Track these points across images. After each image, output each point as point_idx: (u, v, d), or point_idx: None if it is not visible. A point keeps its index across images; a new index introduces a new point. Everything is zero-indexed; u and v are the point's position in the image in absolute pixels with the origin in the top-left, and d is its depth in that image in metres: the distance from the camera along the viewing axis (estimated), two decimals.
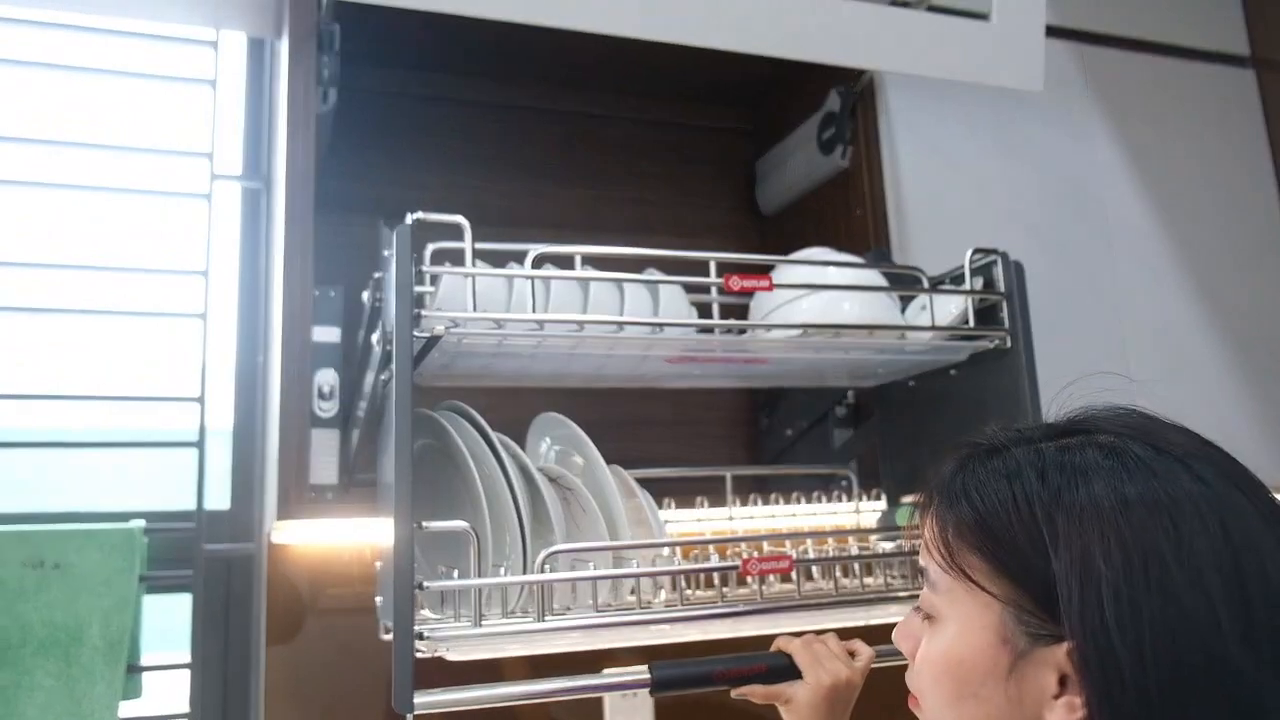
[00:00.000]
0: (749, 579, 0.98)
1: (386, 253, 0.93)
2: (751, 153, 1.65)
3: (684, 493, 1.19)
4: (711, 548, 1.02)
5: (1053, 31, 1.49)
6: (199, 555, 1.19)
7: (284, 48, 1.19)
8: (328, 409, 1.14)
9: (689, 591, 1.02)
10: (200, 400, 1.23)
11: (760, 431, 1.44)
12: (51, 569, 1.09)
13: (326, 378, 1.15)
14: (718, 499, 1.21)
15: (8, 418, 1.29)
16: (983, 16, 1.25)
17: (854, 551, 1.04)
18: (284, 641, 1.22)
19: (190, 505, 1.21)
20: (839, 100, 1.42)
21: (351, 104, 1.26)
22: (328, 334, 1.16)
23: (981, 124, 1.49)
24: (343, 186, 1.18)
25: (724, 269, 1.01)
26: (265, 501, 1.23)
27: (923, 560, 0.63)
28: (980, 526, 0.58)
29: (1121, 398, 0.63)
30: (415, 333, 0.89)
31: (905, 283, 1.12)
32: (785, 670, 0.92)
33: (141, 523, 1.16)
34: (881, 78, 1.41)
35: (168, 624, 1.21)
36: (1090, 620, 0.53)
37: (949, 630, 0.60)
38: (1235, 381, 1.56)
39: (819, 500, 1.17)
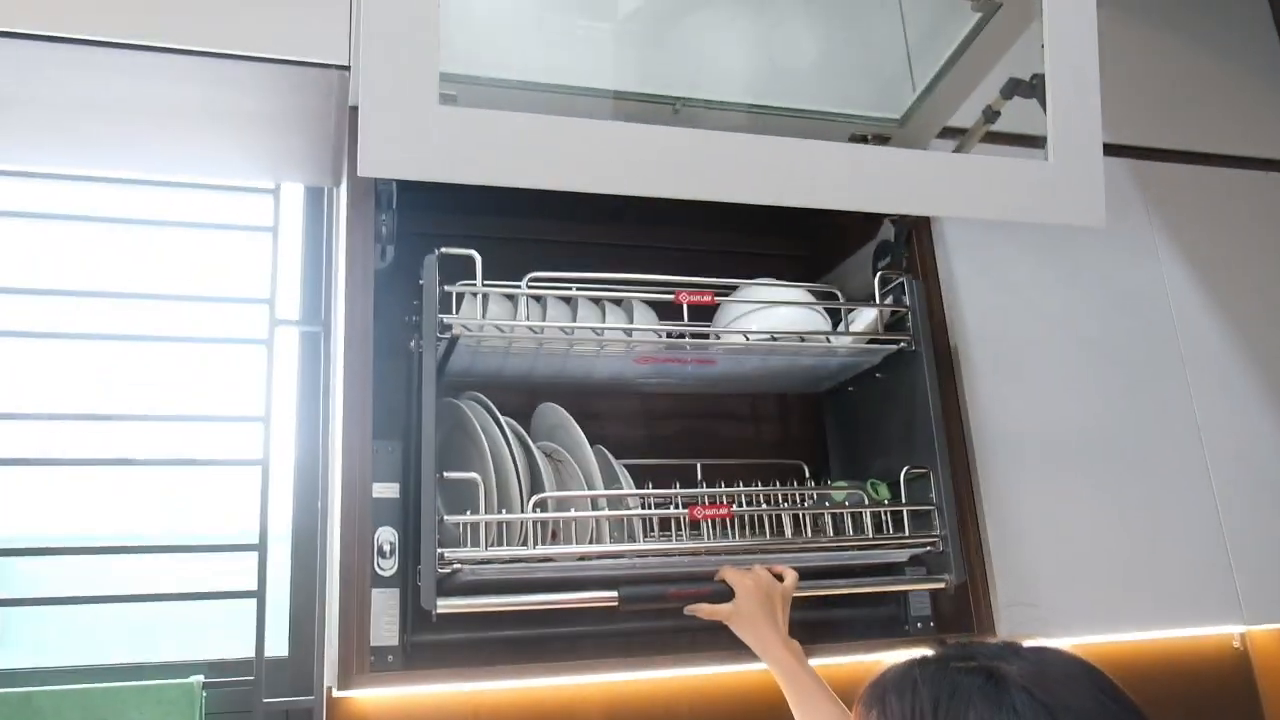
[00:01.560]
0: (702, 530, 1.26)
1: (422, 281, 1.25)
2: (804, 277, 1.62)
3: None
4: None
5: (1107, 149, 1.43)
6: (258, 710, 1.19)
7: (342, 197, 1.24)
8: (388, 568, 1.14)
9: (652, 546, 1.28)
10: (260, 548, 1.23)
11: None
12: None
13: (386, 535, 1.14)
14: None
15: (69, 570, 1.33)
16: (1039, 143, 1.23)
17: (789, 513, 1.30)
18: None
19: (248, 651, 1.22)
20: (893, 229, 1.44)
21: (407, 249, 1.27)
22: (388, 490, 1.16)
23: (1040, 246, 1.49)
24: (400, 333, 1.23)
25: (685, 290, 1.31)
26: (325, 655, 1.21)
27: None
28: None
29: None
30: (439, 334, 1.20)
31: (826, 298, 1.40)
32: (724, 594, 1.19)
33: (200, 677, 1.17)
34: None
35: None
36: None
37: None
38: None
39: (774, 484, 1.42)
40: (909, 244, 1.44)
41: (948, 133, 1.38)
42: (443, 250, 1.23)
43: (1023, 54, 1.25)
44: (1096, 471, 1.43)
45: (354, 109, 1.24)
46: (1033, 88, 1.23)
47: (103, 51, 1.20)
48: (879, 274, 1.39)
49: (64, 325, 1.42)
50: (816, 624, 1.38)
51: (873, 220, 1.48)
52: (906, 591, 1.35)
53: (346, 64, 1.27)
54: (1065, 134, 1.20)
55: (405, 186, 1.24)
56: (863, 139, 1.40)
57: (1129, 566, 1.41)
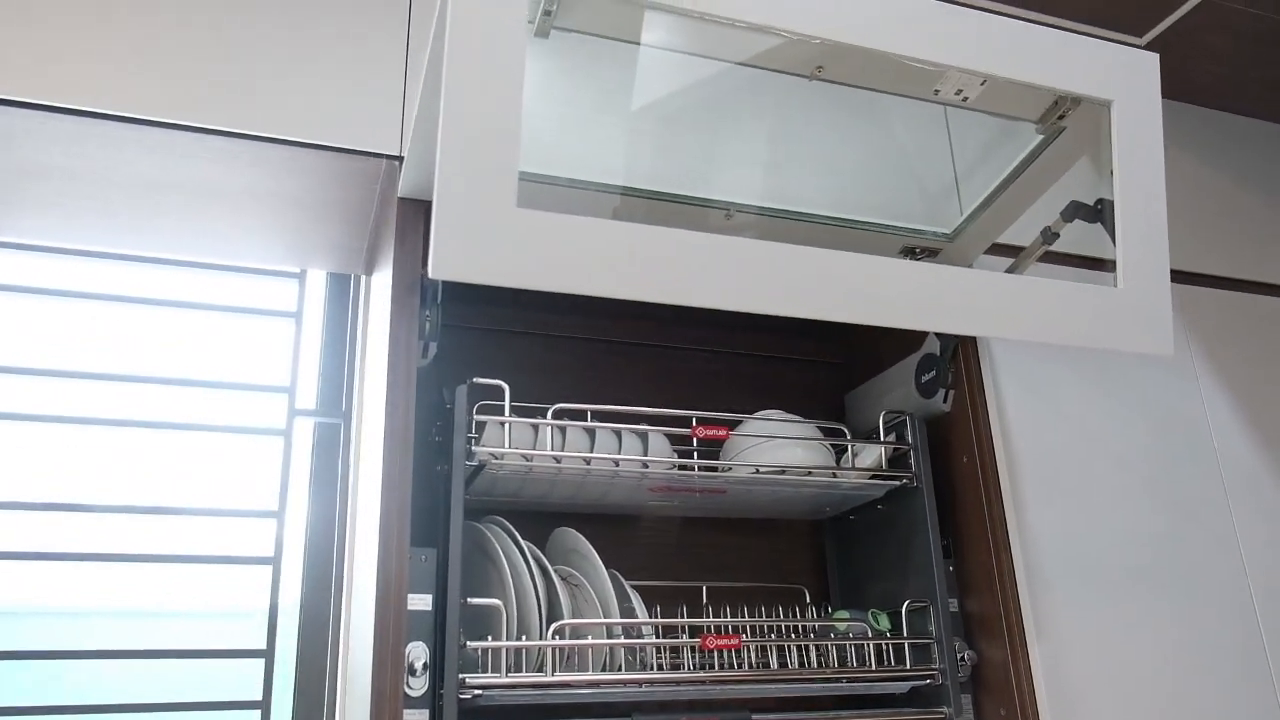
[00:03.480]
0: (711, 657, 1.30)
1: (449, 405, 1.30)
2: (837, 384, 1.72)
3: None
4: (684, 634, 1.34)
5: None
6: None
7: (375, 287, 1.26)
8: (417, 687, 1.09)
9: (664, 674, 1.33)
10: (266, 655, 1.18)
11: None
12: None
13: (418, 652, 1.10)
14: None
15: (57, 671, 1.29)
16: (1086, 263, 1.24)
17: (794, 644, 1.35)
18: None
19: None
20: (939, 343, 1.44)
21: (441, 340, 1.27)
22: (421, 602, 1.13)
23: (1086, 366, 1.51)
24: (424, 426, 1.23)
25: (701, 425, 1.38)
26: None
27: None
28: None
29: None
30: (467, 461, 1.25)
31: (834, 435, 1.47)
32: None
33: None
34: None
35: None
36: None
37: None
38: None
39: (778, 612, 1.47)
40: (955, 360, 1.45)
41: (997, 249, 1.39)
42: (474, 380, 1.29)
43: (1074, 177, 1.26)
44: (1143, 596, 1.43)
45: (403, 200, 1.26)
46: (1096, 212, 1.22)
47: (146, 130, 1.22)
48: (883, 413, 1.46)
49: (68, 407, 1.40)
50: None
51: (914, 332, 1.48)
52: None
53: (398, 155, 1.29)
54: (1134, 261, 1.18)
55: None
56: (912, 252, 1.39)
57: (1174, 695, 1.42)
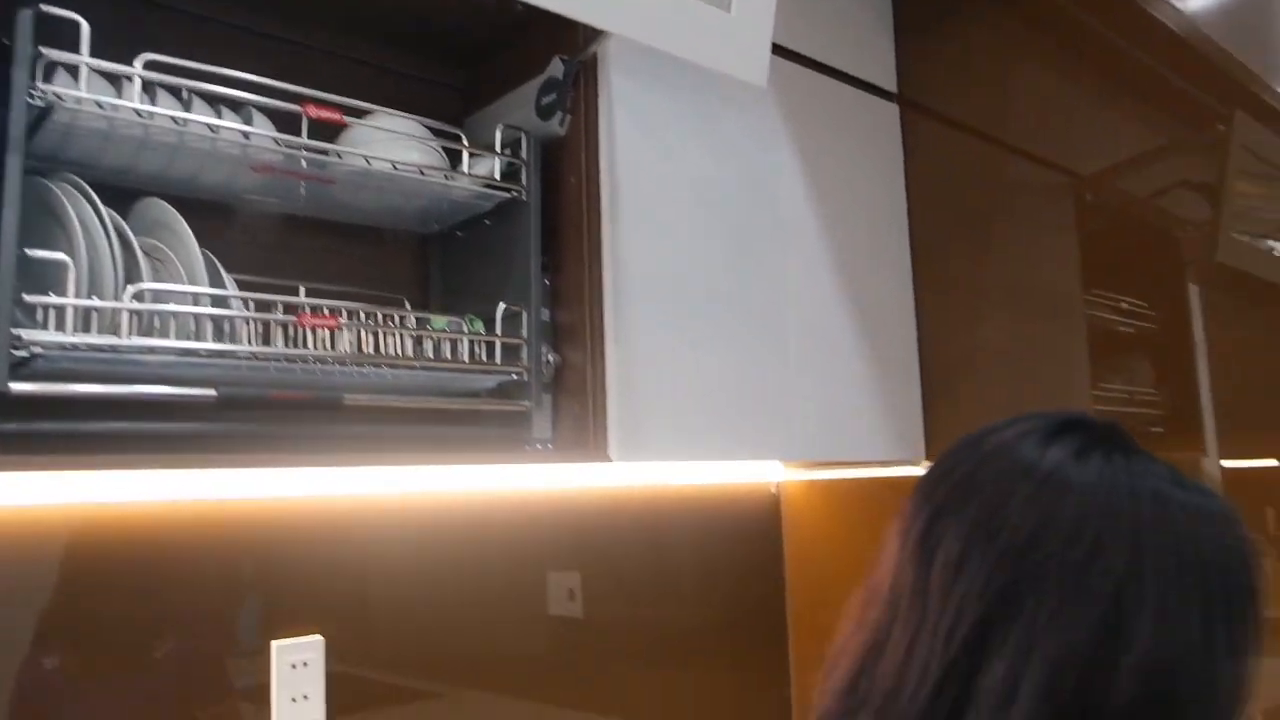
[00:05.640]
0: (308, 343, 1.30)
1: (6, 42, 1.12)
2: (459, 109, 1.70)
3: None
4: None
5: None
6: None
7: None
8: None
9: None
10: None
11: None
12: None
13: None
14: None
15: None
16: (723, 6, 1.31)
17: (394, 332, 1.38)
18: None
19: None
20: (562, 68, 1.47)
21: None
22: None
23: (689, 113, 1.61)
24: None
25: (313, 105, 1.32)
26: None
27: None
28: None
29: None
30: (29, 99, 1.09)
31: (451, 139, 1.48)
32: (329, 403, 1.24)
33: None
34: (605, 54, 1.46)
35: None
36: None
37: None
38: (873, 375, 1.85)
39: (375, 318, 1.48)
40: (575, 86, 1.49)
41: None
42: (42, 8, 1.12)
43: None
44: (706, 318, 1.60)
45: None
46: None
47: None
48: (500, 126, 1.49)
49: None
50: (448, 439, 1.50)
51: (539, 56, 1.52)
52: (527, 416, 1.47)
53: None
54: None
55: None
56: None
57: (717, 395, 1.61)
